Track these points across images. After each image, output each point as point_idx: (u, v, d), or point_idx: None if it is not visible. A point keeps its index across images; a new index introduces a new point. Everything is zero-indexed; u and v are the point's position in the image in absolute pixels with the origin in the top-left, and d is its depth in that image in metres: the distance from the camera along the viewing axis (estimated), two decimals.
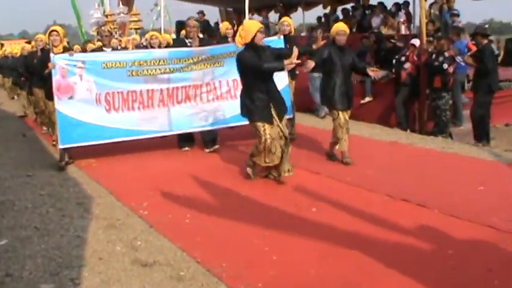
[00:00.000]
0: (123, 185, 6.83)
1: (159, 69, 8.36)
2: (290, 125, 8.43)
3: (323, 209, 5.56)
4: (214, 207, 5.62)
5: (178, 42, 9.61)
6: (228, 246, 4.71)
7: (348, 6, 17.40)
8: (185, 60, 8.41)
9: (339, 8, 17.75)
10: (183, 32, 10.07)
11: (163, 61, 8.36)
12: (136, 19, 17.68)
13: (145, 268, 4.37)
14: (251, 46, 6.43)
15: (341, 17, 16.58)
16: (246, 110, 6.56)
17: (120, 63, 8.20)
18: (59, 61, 7.83)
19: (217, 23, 19.78)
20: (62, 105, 7.84)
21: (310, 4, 19.88)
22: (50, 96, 8.33)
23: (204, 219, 5.32)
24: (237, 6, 16.96)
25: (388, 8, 15.56)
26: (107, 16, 17.31)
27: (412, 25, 14.85)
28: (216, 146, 8.46)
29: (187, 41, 8.64)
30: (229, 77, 8.57)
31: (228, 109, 8.54)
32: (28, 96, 12.79)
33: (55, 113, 8.02)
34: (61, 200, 6.30)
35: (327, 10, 18.45)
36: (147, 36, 10.72)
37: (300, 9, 20.08)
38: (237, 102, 7.00)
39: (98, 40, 14.99)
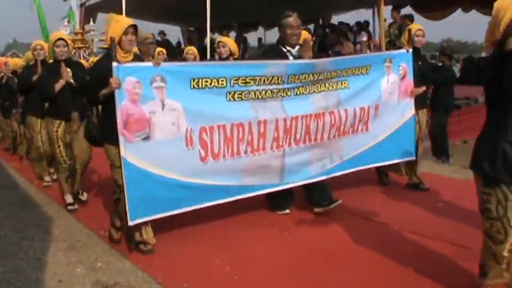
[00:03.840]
0: (84, 206, 6.74)
1: (272, 91, 5.48)
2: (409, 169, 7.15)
3: (284, 229, 5.63)
4: (175, 227, 5.60)
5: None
6: (189, 267, 4.70)
7: (309, 26, 17.64)
8: (304, 78, 5.63)
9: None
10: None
11: (278, 78, 5.45)
12: (104, 38, 17.35)
13: None
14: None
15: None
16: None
17: (217, 81, 5.14)
18: (127, 76, 4.64)
19: (179, 43, 19.83)
20: (132, 153, 4.65)
21: (270, 24, 20.08)
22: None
23: (165, 239, 5.29)
24: (198, 26, 17.03)
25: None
26: (76, 34, 17.05)
27: (371, 45, 15.11)
28: (339, 202, 5.94)
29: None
30: (357, 103, 6.16)
31: (348, 149, 6.23)
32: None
33: (83, 158, 6.63)
34: (21, 221, 6.20)
35: None
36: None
37: (260, 29, 20.32)
38: (358, 138, 6.20)
39: None
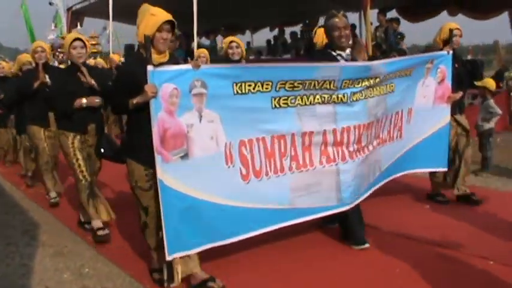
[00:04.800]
0: (70, 212, 6.69)
1: (322, 96, 4.72)
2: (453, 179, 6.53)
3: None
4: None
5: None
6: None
7: (296, 28, 17.73)
8: (358, 83, 4.85)
9: (287, 30, 18.07)
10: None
11: (331, 83, 4.67)
12: (94, 42, 17.36)
13: None
14: None
15: (289, 40, 16.87)
16: None
17: (261, 85, 4.36)
18: (164, 82, 3.90)
19: None
20: (170, 174, 3.95)
21: (257, 27, 20.18)
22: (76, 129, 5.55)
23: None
24: (185, 30, 16.99)
25: None
26: (63, 38, 16.99)
27: None
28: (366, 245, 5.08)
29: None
30: (396, 108, 5.55)
31: (386, 158, 5.56)
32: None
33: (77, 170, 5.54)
34: (7, 227, 6.18)
35: (275, 32, 18.74)
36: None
37: (248, 33, 20.39)
38: (393, 146, 5.61)
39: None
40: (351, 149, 4.91)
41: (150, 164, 3.96)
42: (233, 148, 4.29)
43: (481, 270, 4.39)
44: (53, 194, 7.17)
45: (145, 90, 3.82)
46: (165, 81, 3.88)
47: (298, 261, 4.75)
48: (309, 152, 4.75)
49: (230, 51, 6.65)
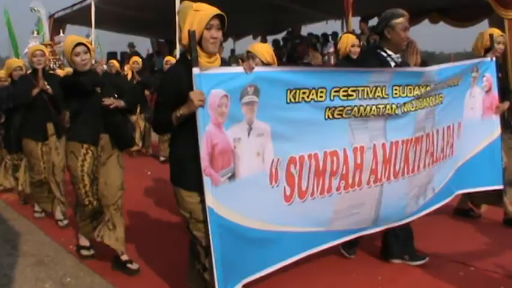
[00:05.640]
0: (52, 221, 6.59)
1: (377, 107, 4.15)
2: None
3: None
4: (146, 242, 5.57)
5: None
6: (160, 283, 4.64)
7: (278, 37, 17.83)
8: (409, 91, 4.35)
9: (269, 39, 18.15)
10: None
11: (382, 90, 4.16)
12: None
13: None
14: None
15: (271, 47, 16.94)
16: None
17: (315, 92, 3.76)
18: (213, 88, 3.26)
19: (151, 55, 19.80)
20: (219, 200, 3.33)
21: (239, 35, 20.24)
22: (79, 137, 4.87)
23: (135, 253, 5.25)
24: (168, 37, 17.03)
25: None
26: (45, 45, 16.87)
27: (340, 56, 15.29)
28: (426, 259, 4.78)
29: None
30: (446, 122, 4.95)
31: (439, 178, 4.99)
32: None
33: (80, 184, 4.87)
34: None
35: (258, 40, 18.81)
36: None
37: (230, 40, 20.45)
38: (446, 165, 5.03)
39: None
40: (397, 167, 4.38)
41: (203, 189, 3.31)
42: (280, 166, 3.67)
43: None
44: (37, 208, 6.76)
45: (191, 98, 3.14)
46: (214, 87, 3.24)
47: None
48: (360, 170, 4.13)
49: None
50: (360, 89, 4.00)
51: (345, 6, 10.96)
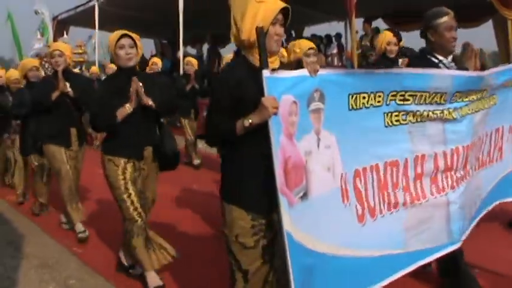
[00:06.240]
0: (56, 222, 6.58)
1: (434, 112, 3.81)
2: None
3: None
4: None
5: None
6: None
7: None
8: (466, 96, 4.00)
9: None
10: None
11: (442, 96, 3.80)
12: (81, 51, 17.23)
13: None
14: None
15: None
16: None
17: (374, 97, 3.40)
18: (283, 93, 2.80)
19: (155, 56, 19.81)
20: (296, 224, 2.81)
21: None
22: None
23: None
24: (171, 39, 17.06)
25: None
26: (49, 47, 16.83)
27: (343, 57, 15.27)
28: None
29: None
30: (496, 124, 4.60)
31: (486, 184, 4.58)
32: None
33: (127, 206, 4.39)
34: None
35: None
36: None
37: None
38: (493, 170, 4.63)
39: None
40: (458, 174, 4.02)
41: (262, 211, 2.96)
42: (348, 181, 3.25)
43: None
44: (80, 227, 6.00)
45: (265, 104, 2.69)
46: (284, 93, 2.80)
47: None
48: (420, 180, 3.77)
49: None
50: (418, 94, 3.66)
51: (348, 7, 10.93)
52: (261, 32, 2.75)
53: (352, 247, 3.20)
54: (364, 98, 3.31)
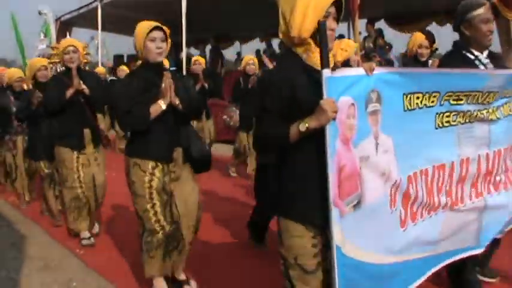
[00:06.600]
0: (59, 224, 6.56)
1: (481, 112, 3.63)
2: None
3: None
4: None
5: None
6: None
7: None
8: (507, 94, 3.82)
9: (275, 41, 18.14)
10: None
11: (492, 95, 3.64)
12: (85, 52, 17.20)
13: None
14: None
15: (278, 50, 16.96)
16: None
17: (428, 97, 3.22)
18: (341, 95, 2.58)
19: None
20: (347, 236, 2.65)
21: (247, 38, 20.25)
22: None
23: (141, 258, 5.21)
24: (174, 40, 17.06)
25: None
26: (52, 48, 16.78)
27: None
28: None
29: None
30: None
31: None
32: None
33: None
34: None
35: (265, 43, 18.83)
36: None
37: (237, 43, 20.47)
38: None
39: None
40: (498, 178, 3.85)
41: (321, 225, 2.65)
42: (400, 186, 3.06)
43: None
44: (85, 234, 5.76)
45: (324, 108, 2.46)
46: (343, 94, 2.60)
47: None
48: (462, 184, 3.60)
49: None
50: (473, 93, 3.49)
51: (351, 8, 10.90)
52: (323, 26, 2.50)
53: (396, 254, 3.05)
54: (418, 98, 3.15)
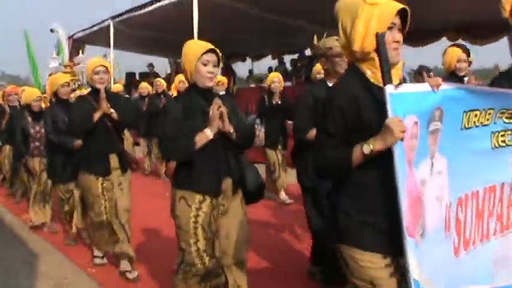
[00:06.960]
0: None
1: None
2: None
3: None
4: (165, 263, 5.52)
5: None
6: None
7: (296, 56, 17.90)
8: None
9: (287, 58, 18.21)
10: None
11: None
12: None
13: None
14: None
15: (290, 67, 17.04)
16: None
17: (484, 114, 2.93)
18: (407, 113, 2.38)
19: (170, 75, 19.96)
20: (421, 267, 2.41)
21: (258, 56, 20.36)
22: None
23: (154, 275, 5.20)
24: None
25: None
26: (65, 66, 16.91)
27: None
28: None
29: None
30: None
31: None
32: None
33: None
34: (6, 259, 6.09)
35: (277, 60, 18.91)
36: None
37: (249, 60, 20.59)
38: None
39: None
40: None
41: (391, 252, 2.48)
42: (452, 209, 2.83)
43: None
44: (97, 253, 5.70)
45: (390, 127, 2.26)
46: (408, 112, 2.40)
47: None
48: (509, 206, 3.27)
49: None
50: None
51: None
52: (382, 39, 2.34)
53: (445, 282, 2.74)
54: (475, 115, 2.89)
